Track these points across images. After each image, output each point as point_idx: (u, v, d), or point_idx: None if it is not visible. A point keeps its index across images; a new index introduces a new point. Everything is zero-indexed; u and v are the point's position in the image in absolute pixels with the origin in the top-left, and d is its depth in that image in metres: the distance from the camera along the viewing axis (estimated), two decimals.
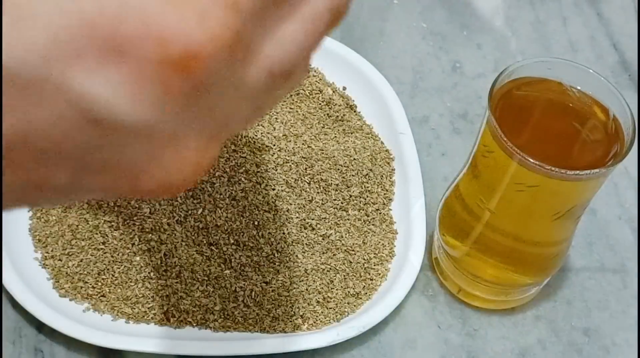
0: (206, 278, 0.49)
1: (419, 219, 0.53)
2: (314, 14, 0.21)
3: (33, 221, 0.50)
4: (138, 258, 0.49)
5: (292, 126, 0.55)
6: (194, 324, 0.48)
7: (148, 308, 0.48)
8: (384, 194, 0.55)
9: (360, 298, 0.51)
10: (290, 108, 0.57)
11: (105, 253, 0.49)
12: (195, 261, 0.49)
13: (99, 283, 0.48)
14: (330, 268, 0.51)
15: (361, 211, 0.53)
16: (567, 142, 0.45)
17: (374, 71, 0.60)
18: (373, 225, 0.53)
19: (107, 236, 0.49)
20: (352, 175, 0.54)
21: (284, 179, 0.52)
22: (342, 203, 0.53)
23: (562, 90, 0.45)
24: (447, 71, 0.65)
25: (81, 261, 0.49)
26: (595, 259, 0.56)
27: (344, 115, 0.58)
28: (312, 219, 0.51)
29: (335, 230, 0.52)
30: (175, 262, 0.49)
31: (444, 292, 0.53)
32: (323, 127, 0.56)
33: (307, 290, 0.50)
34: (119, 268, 0.48)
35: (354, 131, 0.57)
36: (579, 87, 0.45)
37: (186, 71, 0.17)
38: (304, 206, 0.52)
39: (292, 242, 0.51)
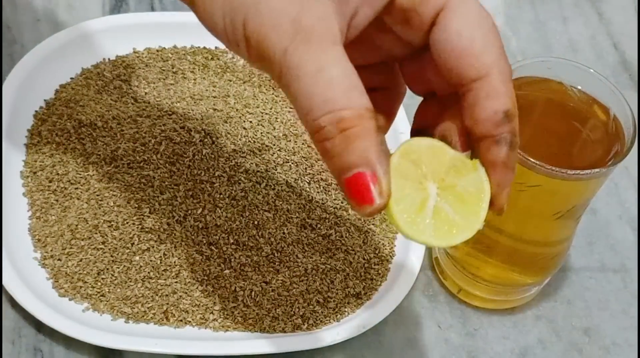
0: (206, 278, 0.49)
1: None
2: None
3: (32, 221, 0.50)
4: (138, 258, 0.49)
5: (292, 125, 0.55)
6: (194, 324, 0.48)
7: (148, 308, 0.48)
8: None
9: (360, 298, 0.50)
10: (290, 108, 0.57)
11: (105, 253, 0.49)
12: (195, 261, 0.49)
13: (99, 283, 0.48)
14: (330, 268, 0.51)
15: None
16: (568, 142, 0.45)
17: None
18: (373, 224, 0.53)
19: (107, 236, 0.49)
20: None
21: (284, 179, 0.52)
22: (342, 202, 0.53)
23: (563, 90, 0.45)
24: None
25: (80, 261, 0.49)
26: (596, 259, 0.56)
27: None
28: (312, 219, 0.51)
29: (335, 229, 0.52)
30: (174, 262, 0.49)
31: (444, 292, 0.53)
32: None
33: (307, 290, 0.50)
34: (118, 268, 0.48)
35: None
36: (579, 87, 0.45)
37: None
38: (304, 206, 0.52)
39: (292, 242, 0.50)
